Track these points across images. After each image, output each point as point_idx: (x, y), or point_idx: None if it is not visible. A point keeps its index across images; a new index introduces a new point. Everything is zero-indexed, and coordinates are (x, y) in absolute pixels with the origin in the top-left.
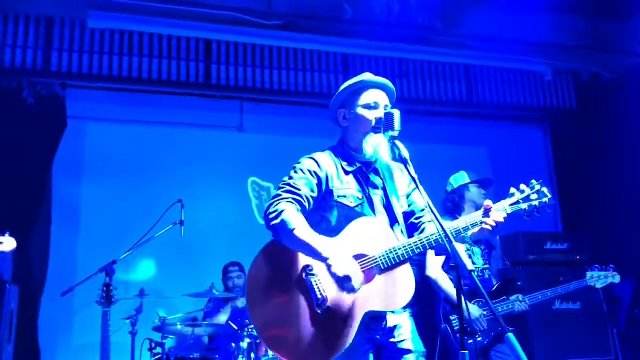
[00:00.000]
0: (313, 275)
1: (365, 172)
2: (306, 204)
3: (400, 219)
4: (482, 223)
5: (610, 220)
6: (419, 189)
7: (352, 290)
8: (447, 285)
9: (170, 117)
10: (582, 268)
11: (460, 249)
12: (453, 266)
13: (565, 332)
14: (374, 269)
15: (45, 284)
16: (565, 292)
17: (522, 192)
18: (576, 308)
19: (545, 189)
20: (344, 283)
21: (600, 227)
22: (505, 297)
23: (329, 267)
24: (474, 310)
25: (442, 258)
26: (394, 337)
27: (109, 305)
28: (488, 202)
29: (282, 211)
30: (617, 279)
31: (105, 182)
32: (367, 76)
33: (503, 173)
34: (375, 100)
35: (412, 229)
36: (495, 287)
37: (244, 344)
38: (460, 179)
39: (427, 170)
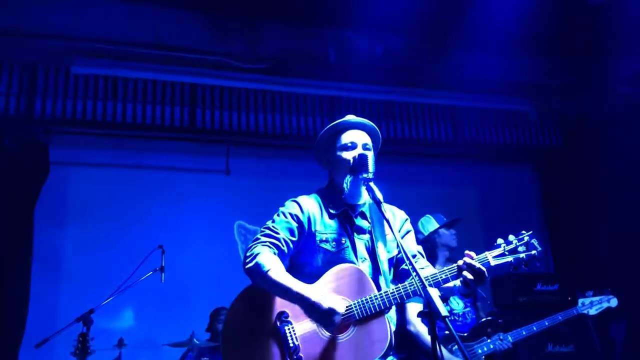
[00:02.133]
0: (287, 323)
1: (351, 216)
2: (284, 248)
3: (385, 266)
4: (461, 274)
5: (601, 260)
6: (393, 233)
7: (332, 324)
8: (427, 338)
9: (156, 162)
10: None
11: (434, 294)
12: (426, 312)
13: None
14: (349, 318)
15: (23, 336)
16: (552, 324)
17: (509, 243)
18: (570, 351)
19: (534, 241)
20: (322, 319)
21: (591, 267)
22: (485, 337)
23: (305, 304)
24: None
25: (419, 308)
26: None
27: (85, 357)
28: (469, 253)
29: (257, 254)
30: (614, 302)
31: (88, 227)
32: (347, 118)
33: (492, 213)
34: (352, 140)
35: (404, 275)
36: (475, 327)
37: None
38: (428, 225)
39: (415, 213)
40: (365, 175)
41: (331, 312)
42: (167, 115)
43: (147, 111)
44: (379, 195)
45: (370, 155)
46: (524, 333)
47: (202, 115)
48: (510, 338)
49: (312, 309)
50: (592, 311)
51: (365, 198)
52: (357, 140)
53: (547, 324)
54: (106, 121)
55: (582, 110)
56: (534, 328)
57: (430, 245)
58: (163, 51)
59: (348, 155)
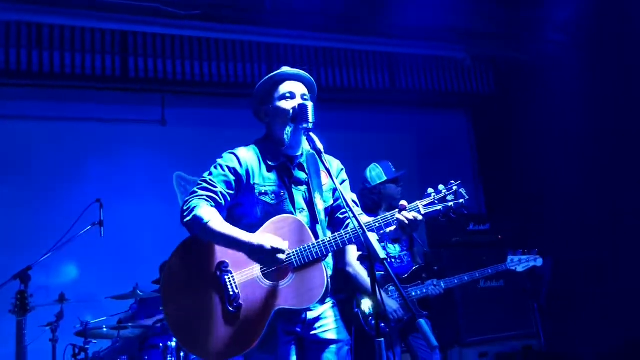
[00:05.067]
0: (227, 272)
1: (289, 167)
2: (222, 201)
3: (321, 216)
4: (395, 223)
5: (531, 200)
6: (334, 184)
7: (277, 262)
8: (365, 279)
9: (87, 113)
10: (503, 248)
11: (373, 238)
12: (365, 256)
13: (490, 309)
14: (288, 266)
15: None
16: (482, 276)
17: (439, 192)
18: (500, 285)
19: (462, 190)
20: (267, 260)
21: (520, 207)
22: (419, 282)
23: (249, 247)
24: (391, 302)
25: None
26: (315, 329)
27: (24, 314)
28: (403, 203)
29: (194, 207)
30: (539, 262)
31: (19, 183)
32: (284, 69)
33: (428, 158)
34: (291, 90)
35: (338, 224)
36: (410, 272)
37: (173, 343)
38: (376, 176)
39: (353, 159)
40: (305, 125)
41: (275, 250)
42: (97, 64)
43: (76, 60)
44: (320, 146)
45: (310, 105)
46: (455, 281)
47: (135, 63)
48: (442, 285)
49: (257, 250)
50: (519, 268)
51: (302, 149)
52: (295, 90)
53: (477, 275)
54: (32, 71)
55: (514, 56)
56: (466, 278)
57: (376, 196)
58: None
59: (287, 105)
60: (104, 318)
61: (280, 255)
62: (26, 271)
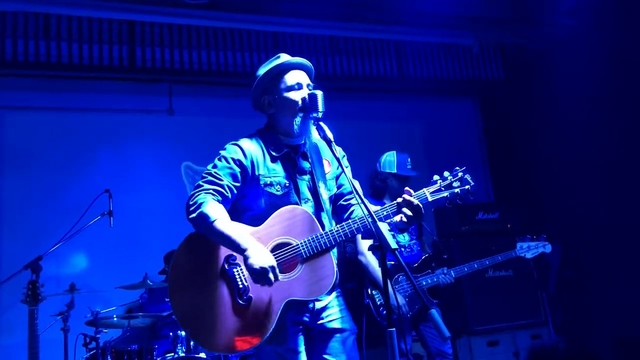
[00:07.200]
0: (236, 265)
1: (293, 157)
2: (228, 194)
3: (327, 205)
4: (401, 211)
5: (540, 189)
6: (344, 172)
7: (266, 284)
8: (376, 269)
9: (95, 103)
10: (512, 237)
11: (384, 228)
12: (377, 246)
13: (498, 298)
14: (297, 257)
15: None
16: (492, 263)
17: (445, 179)
18: (508, 275)
19: (467, 176)
20: (258, 277)
21: (530, 195)
22: (429, 271)
23: (246, 259)
24: (398, 296)
25: (370, 242)
26: (322, 319)
27: (36, 304)
28: (408, 190)
29: (201, 203)
30: (548, 248)
31: (28, 173)
32: (284, 57)
33: (436, 146)
34: (298, 81)
35: (341, 210)
36: (420, 261)
37: (183, 333)
38: (387, 164)
39: (361, 148)
40: (315, 115)
41: (269, 270)
42: (105, 54)
43: (84, 50)
44: (330, 135)
45: (320, 94)
46: (465, 270)
47: (142, 53)
48: (453, 273)
49: (250, 268)
50: (529, 255)
51: (307, 138)
52: (302, 80)
53: (487, 263)
54: (39, 62)
55: (522, 42)
56: (475, 265)
57: (380, 183)
58: None
59: (296, 96)
60: (114, 308)
61: (270, 276)
62: (37, 261)
